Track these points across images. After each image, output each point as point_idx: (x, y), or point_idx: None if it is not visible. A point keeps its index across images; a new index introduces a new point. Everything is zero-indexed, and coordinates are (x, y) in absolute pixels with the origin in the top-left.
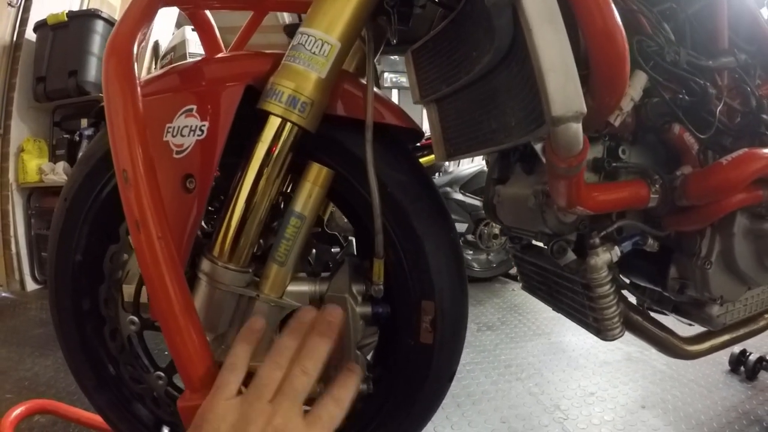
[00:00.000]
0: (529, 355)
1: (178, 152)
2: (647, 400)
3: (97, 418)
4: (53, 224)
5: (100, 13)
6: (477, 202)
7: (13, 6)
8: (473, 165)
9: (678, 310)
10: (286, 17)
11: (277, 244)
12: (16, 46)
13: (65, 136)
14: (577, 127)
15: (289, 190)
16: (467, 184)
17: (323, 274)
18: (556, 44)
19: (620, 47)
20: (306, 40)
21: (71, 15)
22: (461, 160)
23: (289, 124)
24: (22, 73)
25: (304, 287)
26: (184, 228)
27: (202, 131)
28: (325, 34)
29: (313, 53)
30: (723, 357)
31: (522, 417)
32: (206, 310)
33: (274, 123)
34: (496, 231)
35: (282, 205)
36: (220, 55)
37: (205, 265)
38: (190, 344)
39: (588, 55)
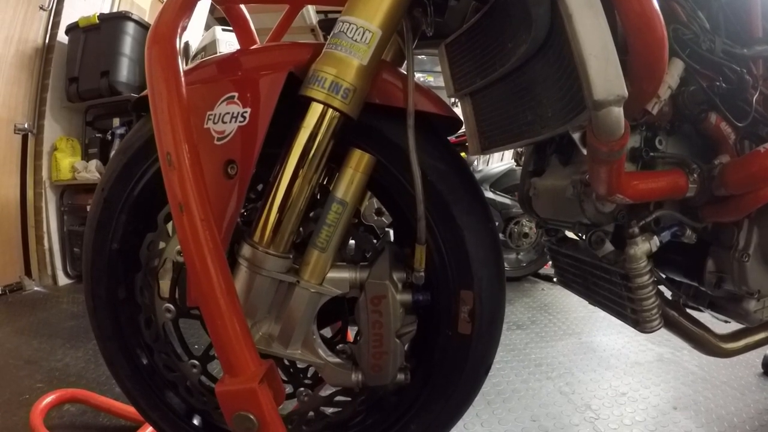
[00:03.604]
0: (560, 354)
1: (219, 139)
2: (679, 402)
3: (126, 408)
4: (90, 213)
5: (130, 15)
6: (507, 201)
7: (44, 10)
8: (503, 163)
9: (714, 305)
10: (314, 18)
11: (318, 230)
12: (48, 48)
13: (97, 135)
14: (619, 111)
15: (325, 182)
16: (497, 183)
17: (362, 263)
18: (596, 29)
19: (658, 31)
20: (347, 28)
21: (102, 17)
22: (490, 159)
23: (331, 110)
24: (55, 74)
25: (344, 274)
26: (225, 213)
27: (245, 117)
28: (366, 21)
29: (355, 40)
30: (756, 360)
31: (553, 416)
32: (245, 296)
33: (316, 109)
34: (526, 230)
35: (318, 196)
36: (259, 46)
37: (246, 250)
38: (231, 328)
39: (626, 40)
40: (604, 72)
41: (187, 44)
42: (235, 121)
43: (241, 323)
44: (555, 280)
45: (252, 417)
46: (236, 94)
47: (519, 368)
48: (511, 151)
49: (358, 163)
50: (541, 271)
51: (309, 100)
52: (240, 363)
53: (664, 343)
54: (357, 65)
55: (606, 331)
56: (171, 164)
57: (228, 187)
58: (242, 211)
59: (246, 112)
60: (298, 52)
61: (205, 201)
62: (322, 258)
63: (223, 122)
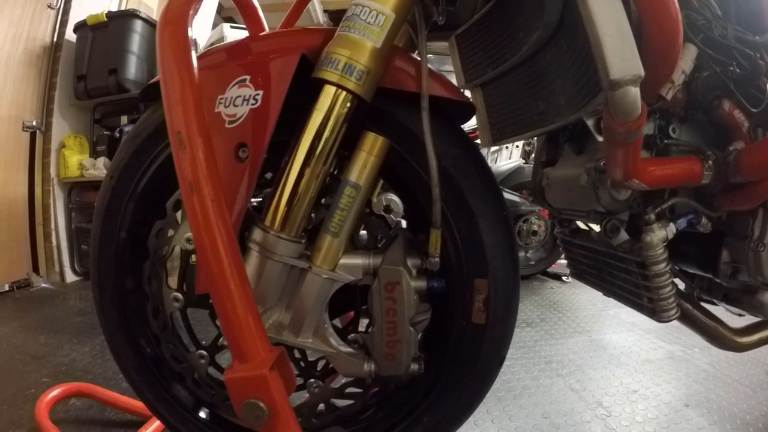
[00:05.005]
0: (570, 352)
1: (230, 122)
2: (691, 399)
3: (132, 402)
4: (98, 202)
5: (138, 13)
6: (516, 198)
7: (52, 8)
8: (511, 161)
9: (728, 298)
10: (320, 16)
11: (331, 214)
12: (56, 46)
13: (105, 132)
14: (635, 91)
15: (336, 172)
16: (505, 180)
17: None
18: (610, 9)
19: (673, 13)
20: (360, 11)
21: (110, 15)
22: (498, 157)
23: (344, 93)
24: (63, 72)
25: (357, 260)
26: (236, 197)
27: (257, 100)
28: (380, 4)
29: (368, 23)
30: (767, 358)
31: (564, 413)
32: (256, 282)
33: (329, 91)
34: (535, 228)
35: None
36: (270, 32)
37: (257, 234)
38: (241, 312)
39: (640, 24)
40: (620, 52)
41: (195, 42)
42: (247, 104)
43: (252, 307)
44: (567, 274)
45: (262, 405)
46: (248, 77)
47: (529, 365)
48: (520, 149)
49: (372, 146)
50: (550, 270)
51: (322, 83)
52: (250, 349)
53: (674, 341)
54: (371, 47)
55: (616, 329)
56: (182, 144)
57: (239, 170)
58: (253, 203)
59: (258, 94)
60: (310, 36)
61: (217, 181)
62: (334, 243)
63: (235, 105)
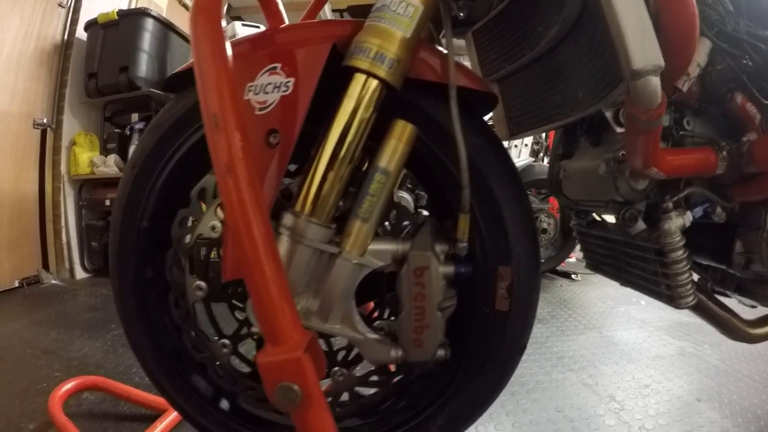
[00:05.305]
0: (581, 347)
1: (260, 109)
2: (702, 394)
3: (146, 396)
4: (119, 192)
5: (149, 11)
6: None
7: (63, 7)
8: (521, 159)
9: (741, 289)
10: (330, 17)
11: (361, 200)
12: (67, 44)
13: (116, 130)
14: (656, 81)
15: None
16: None
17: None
18: (631, 2)
19: (690, 8)
20: (390, 2)
21: (121, 13)
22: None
23: (375, 81)
24: (74, 70)
25: (386, 246)
26: (266, 182)
27: (288, 87)
28: None
29: (398, 14)
30: None
31: (577, 407)
32: (286, 267)
33: (360, 79)
34: (544, 226)
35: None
36: (298, 23)
37: (287, 219)
38: (275, 295)
39: (658, 17)
40: (641, 43)
41: None
42: (278, 91)
43: (285, 290)
44: (576, 272)
45: (296, 388)
46: (279, 65)
47: (541, 360)
48: (529, 147)
49: (401, 133)
50: (559, 269)
51: (352, 71)
52: (284, 332)
53: (684, 338)
54: (400, 37)
55: (626, 325)
56: (217, 126)
57: (270, 155)
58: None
59: (289, 81)
60: (339, 26)
61: (251, 165)
62: (364, 228)
63: (265, 93)
